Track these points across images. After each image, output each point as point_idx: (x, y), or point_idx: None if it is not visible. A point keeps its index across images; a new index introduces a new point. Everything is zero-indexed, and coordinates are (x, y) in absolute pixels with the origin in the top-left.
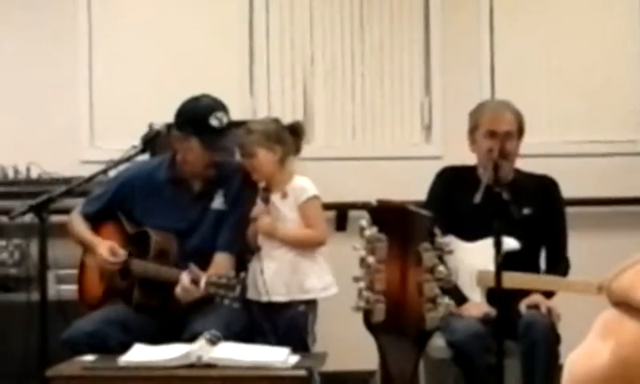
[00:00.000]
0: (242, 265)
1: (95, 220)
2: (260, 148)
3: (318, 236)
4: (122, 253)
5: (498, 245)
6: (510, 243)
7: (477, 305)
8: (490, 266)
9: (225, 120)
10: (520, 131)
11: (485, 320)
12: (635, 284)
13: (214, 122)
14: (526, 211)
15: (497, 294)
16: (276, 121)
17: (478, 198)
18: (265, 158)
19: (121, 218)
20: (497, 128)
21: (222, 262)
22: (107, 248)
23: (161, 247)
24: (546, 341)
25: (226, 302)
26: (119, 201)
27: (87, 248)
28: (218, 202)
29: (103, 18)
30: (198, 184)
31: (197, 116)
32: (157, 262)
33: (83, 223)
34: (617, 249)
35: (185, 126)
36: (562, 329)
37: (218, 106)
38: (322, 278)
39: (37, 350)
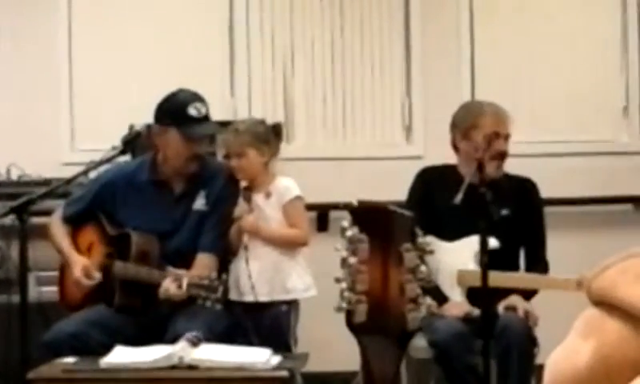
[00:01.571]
0: (224, 265)
1: (76, 222)
2: (250, 148)
3: (301, 236)
4: (97, 275)
5: (483, 244)
6: (490, 242)
7: (458, 304)
8: (469, 265)
9: (203, 110)
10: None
11: (466, 319)
12: (616, 283)
13: (192, 111)
14: (504, 212)
15: (482, 293)
16: (263, 122)
17: (458, 198)
18: (254, 158)
19: (102, 220)
20: (502, 129)
21: (204, 263)
22: (81, 268)
23: (142, 249)
24: (520, 344)
25: (208, 303)
26: (100, 202)
27: (63, 260)
28: (199, 203)
29: (83, 20)
30: (179, 185)
31: (175, 107)
32: (138, 264)
33: (63, 229)
34: (599, 248)
35: (163, 118)
36: (541, 329)
37: (195, 97)
38: (303, 278)
39: (17, 352)
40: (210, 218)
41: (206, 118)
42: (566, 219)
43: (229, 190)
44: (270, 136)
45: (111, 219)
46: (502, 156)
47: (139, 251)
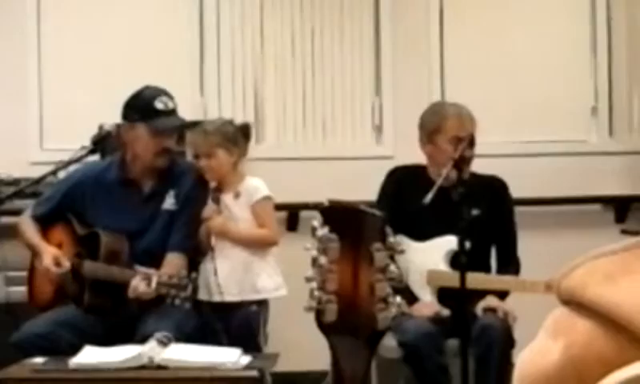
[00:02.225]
0: (193, 265)
1: (45, 222)
2: (219, 149)
3: (270, 236)
4: (67, 263)
5: (461, 245)
6: (455, 243)
7: (427, 304)
8: (440, 265)
9: (170, 104)
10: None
11: (436, 320)
12: (585, 282)
13: (159, 104)
14: (475, 212)
15: (454, 294)
16: (231, 122)
17: (428, 198)
18: (224, 158)
19: (71, 220)
20: (463, 133)
21: (173, 262)
22: (51, 257)
23: (111, 248)
24: (500, 345)
25: (177, 301)
26: (69, 202)
27: (33, 253)
28: (168, 203)
29: (52, 19)
30: (148, 184)
31: (142, 102)
32: (107, 264)
33: (32, 226)
34: (569, 248)
35: (131, 115)
36: (515, 329)
37: (162, 92)
38: (273, 278)
39: None
40: (179, 217)
41: (173, 112)
42: (536, 219)
43: (198, 190)
44: (239, 136)
45: (81, 219)
46: (465, 161)
47: (108, 251)
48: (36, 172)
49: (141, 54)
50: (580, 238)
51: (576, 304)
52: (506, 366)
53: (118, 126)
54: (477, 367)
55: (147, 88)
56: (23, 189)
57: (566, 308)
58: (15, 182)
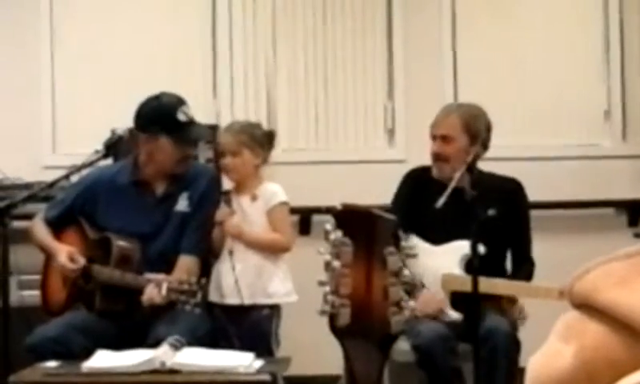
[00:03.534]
0: (206, 268)
1: (57, 225)
2: (246, 148)
3: (284, 242)
4: (81, 260)
5: (474, 248)
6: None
7: (431, 299)
8: (454, 269)
9: (190, 114)
10: (469, 134)
11: (448, 323)
12: (598, 286)
13: (181, 116)
14: (490, 212)
15: (470, 298)
16: (259, 126)
17: (440, 201)
18: (248, 159)
19: (82, 224)
20: (434, 131)
21: (186, 265)
22: (66, 254)
23: (123, 253)
24: (506, 348)
25: (188, 308)
26: (81, 206)
27: (47, 253)
28: (182, 205)
29: (65, 23)
30: (161, 187)
31: (163, 113)
32: (119, 268)
33: (45, 228)
34: (582, 251)
35: (151, 126)
36: (523, 331)
37: (180, 101)
38: (284, 283)
39: None
40: (192, 219)
41: (193, 121)
42: (548, 223)
43: (212, 192)
44: (265, 141)
45: (93, 222)
46: (435, 157)
47: (120, 255)
48: (49, 176)
49: (153, 58)
50: (593, 241)
51: (588, 308)
52: (513, 369)
53: (131, 131)
54: (483, 370)
55: (164, 95)
56: (36, 193)
57: (577, 312)
58: (28, 186)
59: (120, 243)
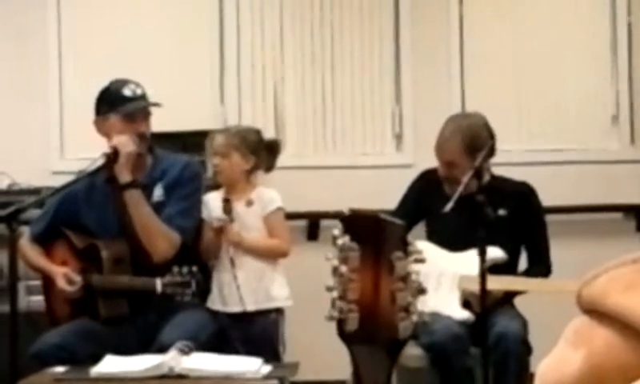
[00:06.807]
0: (205, 272)
1: (44, 240)
2: (236, 152)
3: (282, 247)
4: (78, 279)
5: (482, 252)
6: (496, 253)
7: None
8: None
9: (138, 91)
10: (473, 155)
11: (461, 323)
12: (607, 291)
13: (127, 92)
14: (501, 212)
15: (482, 301)
16: (257, 132)
17: (448, 207)
18: (237, 162)
19: (69, 235)
20: (440, 157)
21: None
22: (62, 278)
23: (112, 256)
24: (517, 352)
25: (186, 298)
26: (63, 217)
27: (43, 275)
28: (157, 195)
29: (73, 28)
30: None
31: (109, 93)
32: (113, 272)
33: (34, 249)
34: (590, 256)
35: (102, 107)
36: (533, 336)
37: (129, 81)
38: (283, 287)
39: (7, 361)
40: (167, 202)
41: (142, 97)
42: (556, 227)
43: (186, 175)
44: (260, 147)
45: (79, 229)
46: (444, 178)
47: (110, 259)
48: (57, 181)
49: (161, 63)
50: (601, 246)
51: (597, 313)
52: (525, 373)
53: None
54: (494, 374)
55: (115, 81)
56: (44, 198)
57: (586, 317)
58: (36, 191)
59: (107, 247)
